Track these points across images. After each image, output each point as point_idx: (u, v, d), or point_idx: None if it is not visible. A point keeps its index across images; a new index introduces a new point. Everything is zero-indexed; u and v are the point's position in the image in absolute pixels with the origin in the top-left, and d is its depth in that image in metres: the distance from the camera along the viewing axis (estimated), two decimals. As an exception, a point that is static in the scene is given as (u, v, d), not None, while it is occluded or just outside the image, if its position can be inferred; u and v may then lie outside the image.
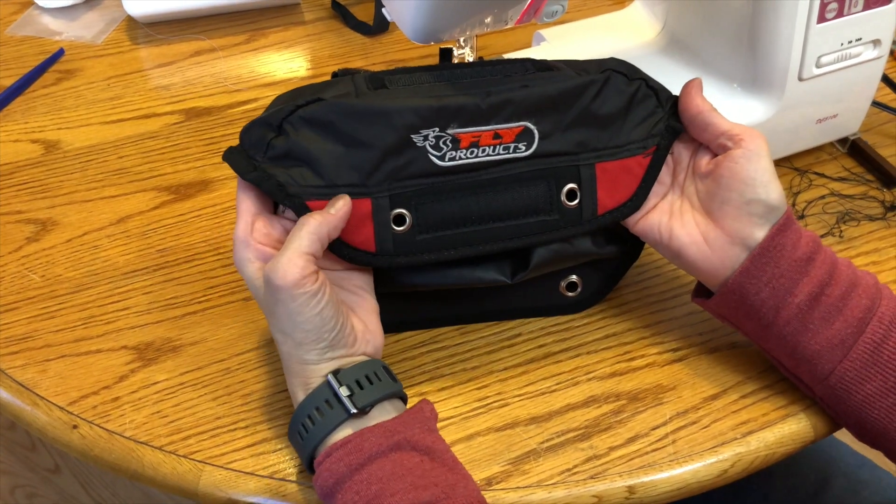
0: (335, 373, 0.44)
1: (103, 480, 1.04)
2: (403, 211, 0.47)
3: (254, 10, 0.84)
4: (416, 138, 0.46)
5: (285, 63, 0.78)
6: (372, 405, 0.44)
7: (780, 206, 0.47)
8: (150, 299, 0.57)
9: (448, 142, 0.47)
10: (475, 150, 0.47)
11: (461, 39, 0.57)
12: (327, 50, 0.80)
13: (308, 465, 0.44)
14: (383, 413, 0.44)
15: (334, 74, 0.53)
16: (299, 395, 0.45)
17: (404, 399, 0.47)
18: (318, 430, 0.43)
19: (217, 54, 0.79)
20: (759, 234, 0.47)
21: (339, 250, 0.46)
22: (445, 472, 0.42)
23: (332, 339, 0.44)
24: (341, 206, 0.45)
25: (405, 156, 0.46)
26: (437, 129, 0.46)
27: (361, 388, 0.44)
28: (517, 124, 0.48)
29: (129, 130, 0.70)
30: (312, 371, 0.44)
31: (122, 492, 1.04)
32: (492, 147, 0.47)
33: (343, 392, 0.43)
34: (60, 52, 0.78)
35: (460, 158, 0.47)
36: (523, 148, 0.48)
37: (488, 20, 0.53)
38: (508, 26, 0.55)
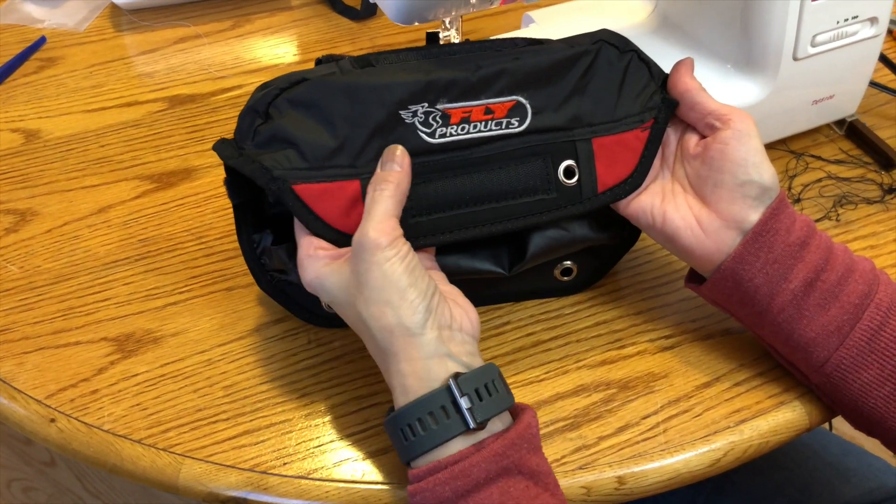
0: (455, 377, 0.40)
1: (99, 473, 1.03)
2: None
3: (239, -4, 0.82)
4: (404, 114, 0.45)
5: (271, 49, 0.77)
6: (489, 420, 0.41)
7: (773, 186, 0.46)
8: (131, 290, 0.56)
9: (438, 117, 0.45)
10: (466, 126, 0.46)
11: (446, 21, 0.56)
12: (314, 35, 0.78)
13: (404, 461, 0.42)
14: (494, 426, 0.41)
15: (318, 61, 0.51)
16: (402, 383, 0.41)
17: (513, 410, 0.44)
18: (428, 438, 0.40)
19: (202, 41, 0.77)
20: (754, 216, 0.46)
21: (328, 236, 0.44)
22: (548, 497, 0.40)
23: (431, 297, 0.41)
24: (400, 155, 0.43)
25: (394, 134, 0.45)
26: (426, 105, 0.45)
27: (480, 398, 0.40)
28: (509, 98, 0.46)
29: (112, 119, 0.69)
30: (417, 346, 0.41)
31: (118, 484, 1.04)
32: (483, 123, 0.46)
33: (464, 403, 0.40)
34: (42, 40, 0.77)
35: (451, 135, 0.45)
36: (516, 123, 0.46)
37: (474, 0, 0.52)
38: (494, 5, 0.54)
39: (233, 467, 0.47)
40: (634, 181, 0.49)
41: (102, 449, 0.47)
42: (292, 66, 0.75)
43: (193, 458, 0.47)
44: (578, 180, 0.48)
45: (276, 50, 0.76)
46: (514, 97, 0.46)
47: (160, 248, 0.58)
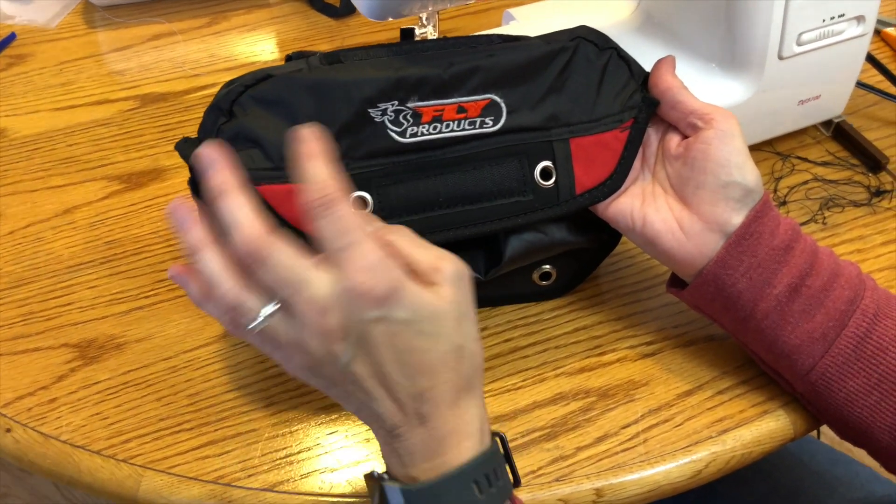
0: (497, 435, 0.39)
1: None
2: (364, 194, 0.43)
3: (216, -7, 0.80)
4: (373, 113, 0.43)
5: (248, 47, 0.75)
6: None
7: (756, 188, 0.45)
8: (95, 294, 0.54)
9: (408, 116, 0.43)
10: (438, 126, 0.44)
11: (423, 17, 0.54)
12: (292, 33, 0.76)
13: None
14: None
15: (288, 58, 0.49)
16: (481, 423, 0.37)
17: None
18: (492, 497, 0.36)
19: (176, 38, 0.75)
20: (737, 219, 0.44)
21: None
22: None
23: None
24: (324, 180, 0.35)
25: (363, 133, 0.43)
26: (396, 103, 0.43)
27: (490, 485, 0.36)
28: (483, 97, 0.44)
29: (81, 117, 0.67)
30: (470, 407, 0.37)
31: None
32: (456, 122, 0.44)
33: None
34: (12, 37, 0.75)
35: (423, 134, 0.44)
36: (490, 123, 0.45)
37: (450, -5, 0.50)
38: (471, 1, 0.52)
39: (195, 479, 0.45)
40: (614, 183, 0.47)
41: (59, 460, 0.45)
42: (269, 64, 0.73)
43: (154, 469, 0.45)
44: (556, 182, 0.46)
45: (253, 48, 0.75)
46: (488, 95, 0.44)
47: (126, 250, 0.56)
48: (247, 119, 0.42)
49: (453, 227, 0.45)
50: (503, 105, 0.45)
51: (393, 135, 0.43)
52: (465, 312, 0.36)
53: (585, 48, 0.46)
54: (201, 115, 0.61)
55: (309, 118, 0.42)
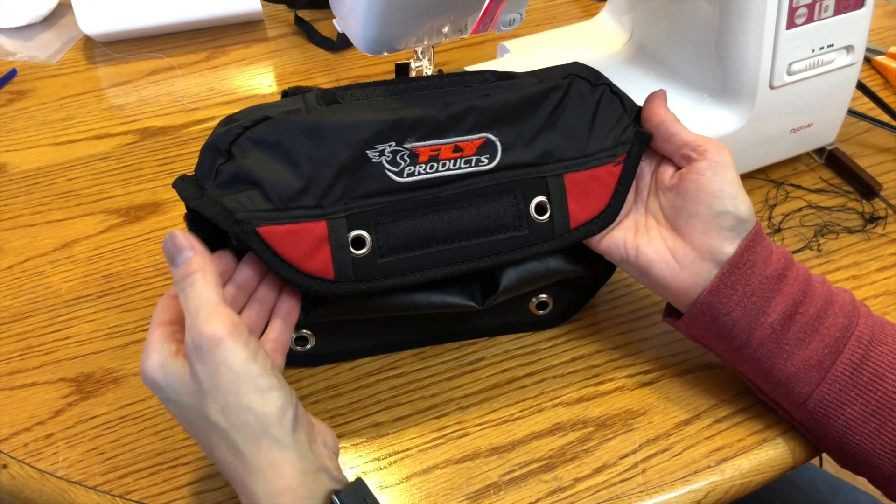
0: (336, 493, 0.37)
1: None
2: (363, 233, 0.44)
3: (215, 27, 0.81)
4: (371, 154, 0.43)
5: (246, 80, 0.76)
6: None
7: (749, 218, 0.45)
8: (93, 328, 0.54)
9: (406, 156, 0.44)
10: (435, 165, 0.44)
11: (418, 51, 0.55)
12: (290, 66, 0.77)
13: None
14: None
15: (284, 94, 0.50)
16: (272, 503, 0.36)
17: None
18: None
19: (175, 72, 0.76)
20: (730, 248, 0.45)
21: (293, 279, 0.43)
22: None
23: (297, 402, 0.38)
24: (183, 239, 0.39)
25: (360, 173, 0.43)
26: (394, 144, 0.44)
27: None
28: (478, 136, 0.45)
29: (80, 152, 0.67)
30: (291, 461, 0.36)
31: None
32: (452, 161, 0.45)
33: None
34: (13, 73, 0.75)
35: (419, 174, 0.44)
36: (486, 161, 0.45)
37: (445, 29, 0.51)
38: (465, 36, 0.53)
39: (192, 515, 0.44)
40: (608, 217, 0.48)
41: (55, 497, 0.45)
42: (267, 98, 0.74)
43: (151, 505, 0.45)
44: (550, 217, 0.47)
45: (252, 81, 0.76)
46: (483, 134, 0.45)
47: (125, 283, 0.57)
48: (246, 160, 0.42)
49: (450, 262, 0.45)
50: (498, 143, 0.45)
51: (390, 175, 0.44)
52: (214, 388, 0.37)
53: (578, 85, 0.47)
54: (200, 148, 0.61)
55: (308, 160, 0.43)
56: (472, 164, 0.45)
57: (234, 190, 0.43)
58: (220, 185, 0.43)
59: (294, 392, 0.38)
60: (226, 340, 0.36)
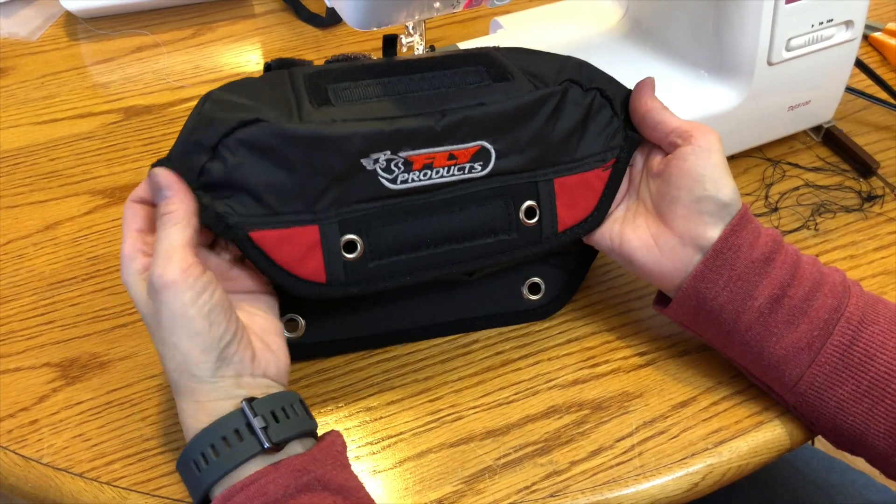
0: (249, 400, 0.39)
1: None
2: (354, 237, 0.44)
3: (201, 3, 0.80)
4: (365, 162, 0.43)
5: (233, 58, 0.74)
6: (287, 441, 0.39)
7: (732, 203, 0.44)
8: (78, 311, 0.53)
9: (400, 164, 0.43)
10: (429, 172, 0.44)
11: (409, 26, 0.54)
12: (278, 43, 0.76)
13: (199, 497, 0.39)
14: (294, 449, 0.39)
15: (267, 66, 0.49)
16: (192, 422, 0.39)
17: (316, 438, 0.42)
18: (220, 464, 0.38)
19: (160, 50, 0.74)
20: (712, 233, 0.44)
21: (286, 283, 0.43)
22: None
23: (223, 348, 0.39)
24: (165, 177, 0.41)
25: (354, 180, 0.43)
26: (389, 153, 0.43)
27: (277, 420, 0.39)
28: (473, 144, 0.45)
29: (63, 131, 0.66)
30: (206, 392, 0.39)
31: None
32: (446, 168, 0.44)
33: (258, 423, 0.38)
34: (-7, 50, 0.73)
35: (413, 181, 0.44)
36: (479, 167, 0.45)
37: (437, 3, 0.50)
38: (458, 10, 0.51)
39: (181, 501, 0.44)
40: (595, 220, 0.48)
41: (41, 484, 0.44)
42: (254, 76, 0.72)
43: (139, 492, 0.44)
44: (539, 220, 0.47)
45: (238, 58, 0.74)
46: (478, 142, 0.45)
47: (110, 266, 0.55)
48: (237, 164, 0.41)
49: (440, 265, 0.46)
50: (493, 151, 0.45)
51: (384, 181, 0.43)
52: (156, 321, 0.40)
53: (573, 92, 0.47)
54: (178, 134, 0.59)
55: (301, 167, 0.42)
56: (466, 171, 0.45)
57: (225, 193, 0.42)
58: (207, 185, 0.42)
59: (233, 326, 0.40)
60: (171, 285, 0.38)
